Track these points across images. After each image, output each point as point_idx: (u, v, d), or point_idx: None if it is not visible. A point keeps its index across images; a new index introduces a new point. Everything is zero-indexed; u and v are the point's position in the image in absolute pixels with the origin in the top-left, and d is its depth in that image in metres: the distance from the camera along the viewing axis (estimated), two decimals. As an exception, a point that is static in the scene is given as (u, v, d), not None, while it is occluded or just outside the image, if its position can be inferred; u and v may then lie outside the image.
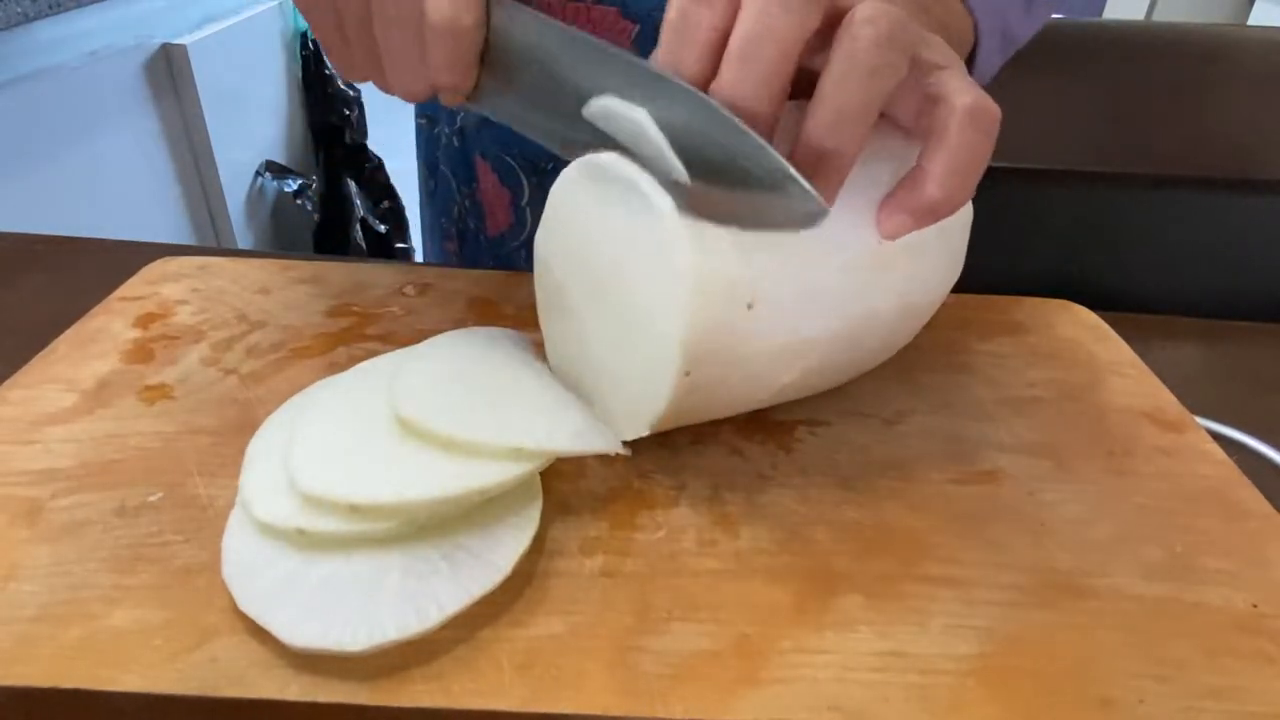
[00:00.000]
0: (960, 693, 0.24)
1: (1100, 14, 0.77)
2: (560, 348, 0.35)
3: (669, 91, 0.26)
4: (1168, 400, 0.38)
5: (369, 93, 1.65)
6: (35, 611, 0.25)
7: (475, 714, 0.23)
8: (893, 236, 0.28)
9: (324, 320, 0.41)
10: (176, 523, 0.28)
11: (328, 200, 1.59)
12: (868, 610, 0.26)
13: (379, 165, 1.66)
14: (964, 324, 0.42)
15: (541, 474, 0.29)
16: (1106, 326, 0.43)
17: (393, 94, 0.37)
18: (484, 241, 0.59)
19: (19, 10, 1.00)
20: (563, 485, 0.30)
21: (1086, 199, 0.74)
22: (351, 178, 1.62)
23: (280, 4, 1.50)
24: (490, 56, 0.32)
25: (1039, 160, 0.73)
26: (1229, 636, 0.26)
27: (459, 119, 0.56)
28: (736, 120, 0.25)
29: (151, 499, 0.29)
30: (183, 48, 1.31)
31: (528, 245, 0.38)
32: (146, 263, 0.45)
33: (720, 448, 0.33)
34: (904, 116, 0.28)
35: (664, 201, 0.27)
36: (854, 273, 0.29)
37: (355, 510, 0.26)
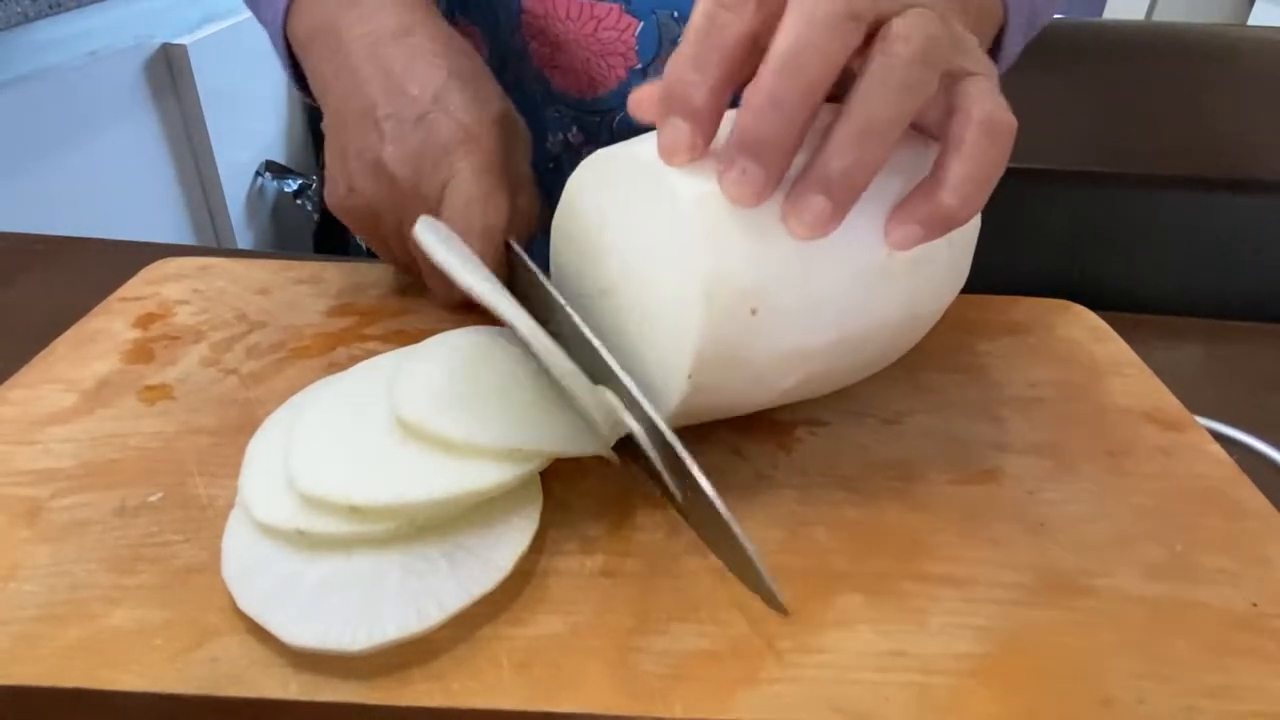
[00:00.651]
0: (960, 692, 0.24)
1: (1100, 14, 0.77)
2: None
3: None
4: (1168, 400, 0.38)
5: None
6: (35, 611, 0.25)
7: (475, 713, 0.23)
8: (902, 247, 0.28)
9: (324, 320, 0.41)
10: (176, 523, 0.28)
11: (327, 200, 1.59)
12: (868, 610, 0.26)
13: (379, 165, 1.66)
14: (964, 324, 0.42)
15: (541, 474, 0.29)
16: (1106, 326, 0.43)
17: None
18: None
19: (19, 10, 1.00)
20: (563, 485, 0.30)
21: (1086, 199, 0.74)
22: (351, 178, 1.62)
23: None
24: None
25: (1039, 160, 0.73)
26: (1229, 636, 0.26)
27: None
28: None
29: (151, 499, 0.29)
30: (183, 48, 1.31)
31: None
32: (146, 263, 0.45)
33: (720, 447, 0.33)
34: (929, 124, 0.28)
35: (687, 190, 0.27)
36: (860, 283, 0.29)
37: (355, 511, 0.26)
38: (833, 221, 0.26)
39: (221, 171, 1.41)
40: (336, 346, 0.39)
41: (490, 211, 0.36)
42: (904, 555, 0.28)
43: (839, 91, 0.26)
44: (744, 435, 0.34)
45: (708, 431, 0.33)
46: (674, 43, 0.44)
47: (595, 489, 0.31)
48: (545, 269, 0.35)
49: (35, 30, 1.07)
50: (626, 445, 0.30)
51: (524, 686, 0.24)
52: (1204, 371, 0.47)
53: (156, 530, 0.28)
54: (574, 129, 0.53)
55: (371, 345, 0.39)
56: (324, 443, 0.28)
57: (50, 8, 1.05)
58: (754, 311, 0.27)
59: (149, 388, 0.35)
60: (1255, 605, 0.27)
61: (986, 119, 0.26)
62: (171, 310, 0.41)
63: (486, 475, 0.27)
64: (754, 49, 0.26)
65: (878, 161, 0.26)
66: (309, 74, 0.42)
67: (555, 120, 0.54)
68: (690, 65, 0.26)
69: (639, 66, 0.50)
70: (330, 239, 1.59)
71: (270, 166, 1.53)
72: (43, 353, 0.38)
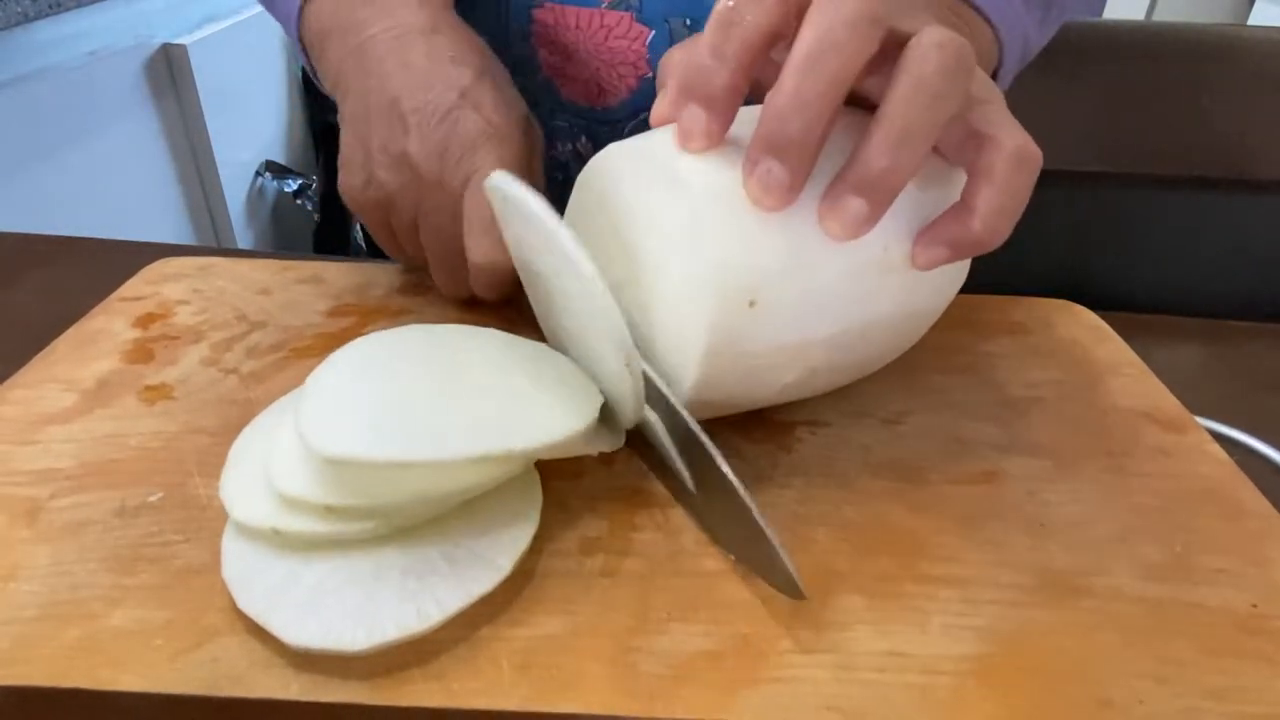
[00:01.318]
0: (960, 693, 0.24)
1: (1100, 14, 0.77)
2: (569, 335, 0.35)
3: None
4: (1168, 400, 0.37)
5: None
6: (35, 611, 0.25)
7: (475, 713, 0.23)
8: (926, 267, 0.29)
9: (324, 320, 0.41)
10: (176, 523, 0.28)
11: (328, 200, 1.59)
12: (867, 610, 0.26)
13: (379, 165, 1.66)
14: (964, 324, 0.42)
15: (541, 474, 0.29)
16: (1106, 326, 0.43)
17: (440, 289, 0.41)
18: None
19: (19, 10, 1.00)
20: (563, 485, 0.30)
21: (1087, 199, 0.74)
22: (352, 178, 1.62)
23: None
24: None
25: (1039, 160, 0.73)
26: (1229, 636, 0.26)
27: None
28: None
29: (151, 499, 0.29)
30: (183, 48, 1.31)
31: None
32: (146, 263, 0.45)
33: (720, 448, 0.33)
34: (946, 145, 0.28)
35: (698, 181, 0.27)
36: (858, 276, 0.29)
37: (330, 511, 0.25)
38: (869, 223, 0.27)
39: (221, 171, 1.41)
40: (336, 346, 0.38)
41: None
42: (904, 556, 0.28)
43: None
44: (744, 436, 0.34)
45: (707, 431, 0.33)
46: None
47: (595, 489, 0.31)
48: None
49: (35, 30, 1.07)
50: (629, 440, 0.30)
51: (524, 686, 0.24)
52: (1204, 371, 0.47)
53: (156, 530, 0.28)
54: (583, 138, 0.53)
55: (371, 345, 0.39)
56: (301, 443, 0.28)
57: (50, 8, 1.05)
58: (752, 304, 0.27)
59: (149, 388, 0.35)
60: (1255, 606, 0.27)
61: (1018, 150, 0.26)
62: (171, 310, 0.41)
63: (462, 477, 0.26)
64: (772, 47, 0.26)
65: (914, 166, 0.26)
66: (323, 67, 0.43)
67: (564, 129, 0.53)
68: (710, 53, 0.26)
69: (650, 75, 0.50)
70: (330, 239, 1.59)
71: (270, 166, 1.53)
72: (43, 353, 0.38)
